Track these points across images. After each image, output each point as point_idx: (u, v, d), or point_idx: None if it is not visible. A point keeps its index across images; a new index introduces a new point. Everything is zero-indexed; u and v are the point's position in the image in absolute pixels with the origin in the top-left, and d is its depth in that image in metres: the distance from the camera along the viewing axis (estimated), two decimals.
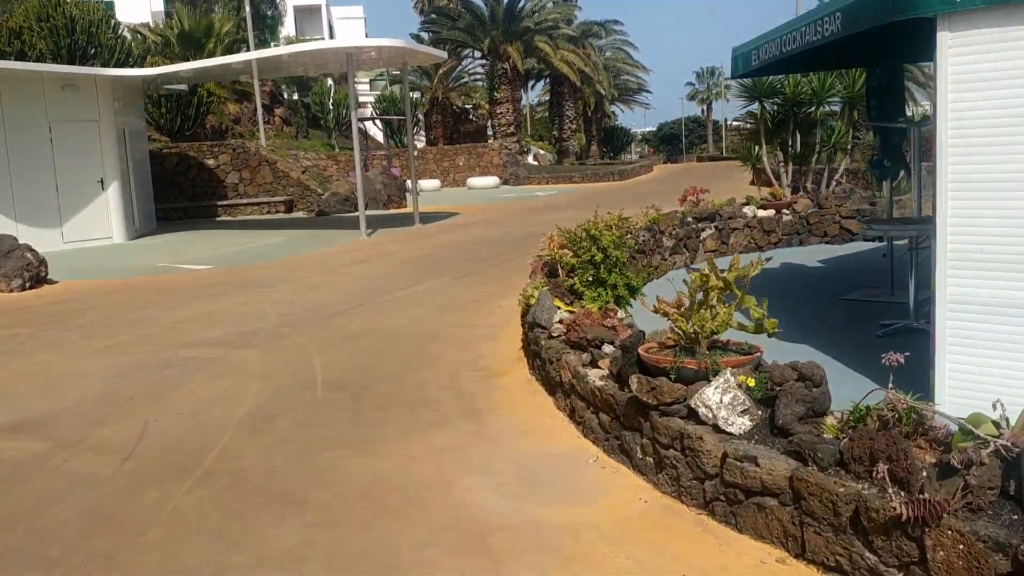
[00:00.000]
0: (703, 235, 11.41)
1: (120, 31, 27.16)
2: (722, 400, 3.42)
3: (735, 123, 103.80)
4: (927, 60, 6.29)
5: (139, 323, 8.59)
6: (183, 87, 22.21)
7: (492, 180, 34.90)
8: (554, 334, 5.08)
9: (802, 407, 3.29)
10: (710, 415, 3.42)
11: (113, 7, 35.89)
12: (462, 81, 55.01)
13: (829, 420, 3.27)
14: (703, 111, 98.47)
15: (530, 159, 48.88)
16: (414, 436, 4.69)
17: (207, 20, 29.17)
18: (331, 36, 53.95)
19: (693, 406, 3.50)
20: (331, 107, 39.30)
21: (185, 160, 24.14)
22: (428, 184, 34.12)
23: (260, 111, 26.23)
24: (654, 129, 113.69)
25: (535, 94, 67.47)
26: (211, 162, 24.28)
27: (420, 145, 47.80)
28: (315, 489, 4.02)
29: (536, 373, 5.53)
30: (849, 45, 6.29)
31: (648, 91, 78.44)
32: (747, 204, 12.38)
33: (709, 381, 3.55)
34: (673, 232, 10.65)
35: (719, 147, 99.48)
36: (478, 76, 54.04)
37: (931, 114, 4.09)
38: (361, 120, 40.32)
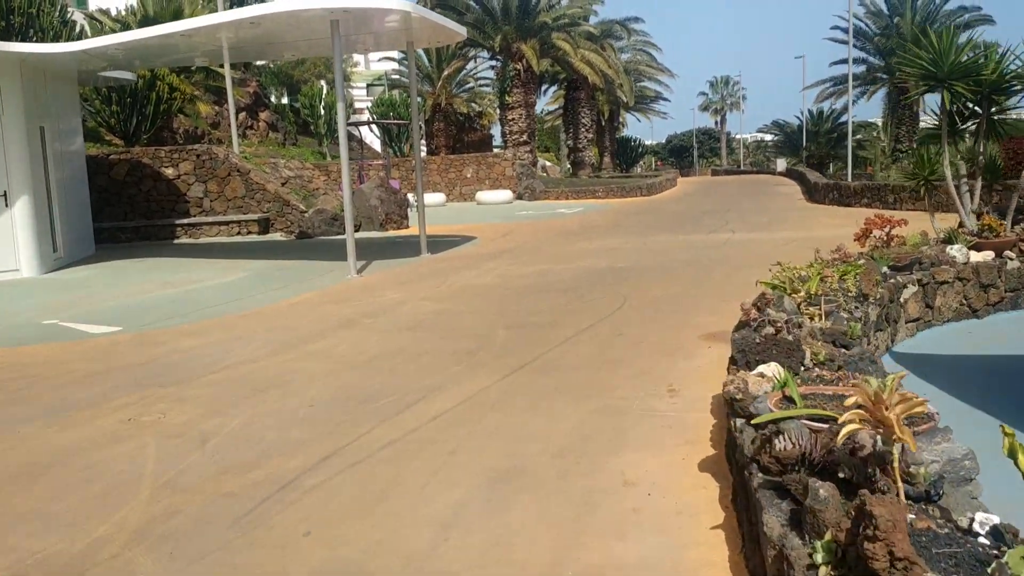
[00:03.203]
0: (904, 295, 6.97)
1: (70, 15, 22.76)
2: None
3: (757, 135, 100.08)
4: None
5: None
6: (129, 76, 17.77)
7: (505, 194, 30.52)
8: None
9: None
10: None
11: None
12: (467, 86, 50.90)
13: None
14: (716, 123, 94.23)
15: (538, 171, 44.55)
16: None
17: (174, 5, 24.76)
18: None
19: None
20: (322, 111, 34.88)
21: (138, 168, 19.69)
22: (432, 198, 29.72)
23: (232, 108, 21.80)
24: (663, 141, 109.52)
25: (542, 101, 63.42)
26: (170, 171, 19.83)
27: (422, 154, 43.53)
28: None
29: None
30: None
31: (666, 99, 74.21)
32: (950, 242, 7.95)
33: None
34: (877, 296, 6.21)
35: (733, 160, 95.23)
36: (484, 81, 49.87)
37: None
38: (357, 124, 35.97)
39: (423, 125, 45.70)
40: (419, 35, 13.56)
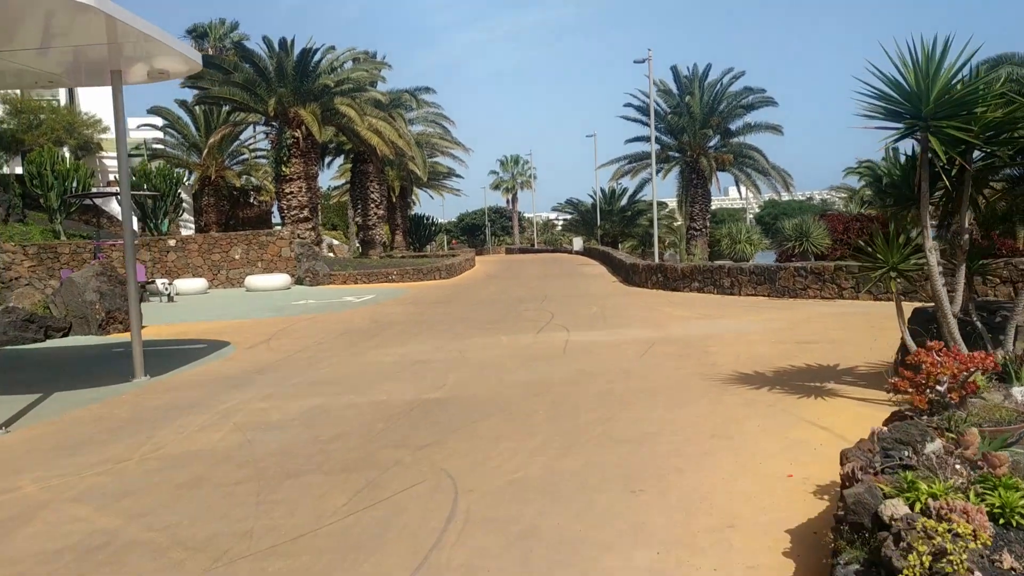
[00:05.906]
0: None
1: None
2: None
3: (548, 214, 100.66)
4: None
5: None
6: None
7: (282, 279, 25.91)
8: None
9: None
10: None
11: None
12: (242, 157, 45.90)
13: None
14: (508, 201, 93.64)
15: (323, 251, 40.19)
16: None
17: None
18: (70, 99, 42.85)
19: None
20: (53, 180, 28.83)
21: None
22: (190, 285, 24.58)
23: None
24: (455, 219, 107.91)
25: (328, 175, 59.35)
26: None
27: (187, 232, 37.92)
28: None
29: None
30: None
31: (459, 175, 72.13)
32: (1004, 379, 4.74)
33: None
34: None
35: (526, 238, 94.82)
36: (261, 152, 45.19)
37: None
38: (92, 196, 30.24)
39: (190, 200, 40.23)
40: (129, 56, 9.22)
